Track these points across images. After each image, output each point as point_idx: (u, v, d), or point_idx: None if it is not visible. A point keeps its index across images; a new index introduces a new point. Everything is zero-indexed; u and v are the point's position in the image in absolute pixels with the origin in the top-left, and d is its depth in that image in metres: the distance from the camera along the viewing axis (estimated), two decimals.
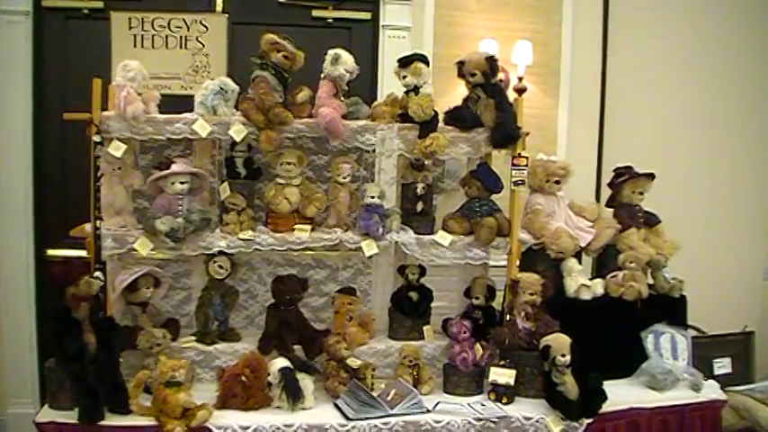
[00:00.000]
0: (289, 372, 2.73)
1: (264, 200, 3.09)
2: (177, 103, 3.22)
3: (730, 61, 4.71)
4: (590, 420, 2.81)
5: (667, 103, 4.64)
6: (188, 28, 3.98)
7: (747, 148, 4.78)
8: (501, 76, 3.32)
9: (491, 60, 3.13)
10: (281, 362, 2.77)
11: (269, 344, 2.97)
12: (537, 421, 2.78)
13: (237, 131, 2.94)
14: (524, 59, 4.16)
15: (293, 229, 3.02)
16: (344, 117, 3.04)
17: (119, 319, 2.92)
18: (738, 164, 4.77)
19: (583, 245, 3.35)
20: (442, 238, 3.13)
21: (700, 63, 4.67)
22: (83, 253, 3.02)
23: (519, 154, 3.16)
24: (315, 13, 4.21)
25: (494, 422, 2.76)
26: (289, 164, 3.02)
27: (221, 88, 2.98)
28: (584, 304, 3.23)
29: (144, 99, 2.95)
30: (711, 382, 3.24)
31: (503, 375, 2.89)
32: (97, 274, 2.83)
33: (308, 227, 3.03)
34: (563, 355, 2.78)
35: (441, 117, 3.13)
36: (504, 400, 2.87)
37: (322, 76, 3.06)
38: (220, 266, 3.04)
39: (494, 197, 3.24)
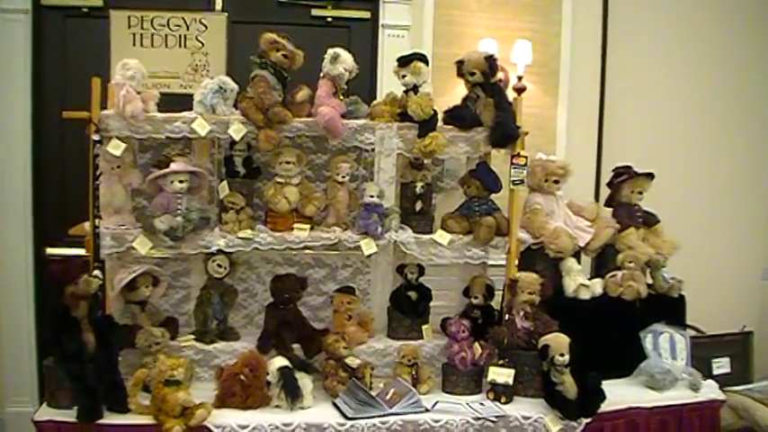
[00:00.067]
0: (287, 371, 2.73)
1: (263, 199, 3.08)
2: (176, 102, 3.22)
3: (730, 61, 4.71)
4: (588, 420, 2.81)
5: (667, 103, 4.64)
6: (187, 27, 3.98)
7: (747, 147, 4.78)
8: (500, 75, 3.32)
9: (490, 60, 3.13)
10: (280, 361, 2.77)
11: (268, 343, 2.97)
12: (535, 421, 2.78)
13: (236, 130, 2.94)
14: (524, 59, 4.16)
15: (292, 228, 3.02)
16: (344, 116, 3.04)
17: (118, 318, 2.92)
18: (738, 164, 4.77)
19: (582, 244, 3.35)
20: (441, 237, 3.14)
21: (699, 62, 4.67)
22: (82, 251, 3.02)
23: (518, 153, 3.16)
24: (314, 12, 4.22)
25: (492, 421, 2.76)
26: (288, 163, 3.02)
27: (220, 87, 2.98)
28: (582, 304, 3.23)
29: (143, 98, 2.94)
30: (710, 381, 3.24)
31: (501, 375, 2.89)
32: (96, 272, 2.82)
33: (307, 226, 3.03)
34: (562, 355, 2.78)
35: (440, 116, 3.12)
36: (503, 400, 2.87)
37: (321, 75, 3.06)
38: (219, 265, 3.03)
39: (493, 196, 3.24)
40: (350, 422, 2.66)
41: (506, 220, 3.18)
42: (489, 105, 3.11)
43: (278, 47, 2.95)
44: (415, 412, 2.75)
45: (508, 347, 2.98)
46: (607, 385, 2.86)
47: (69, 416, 2.53)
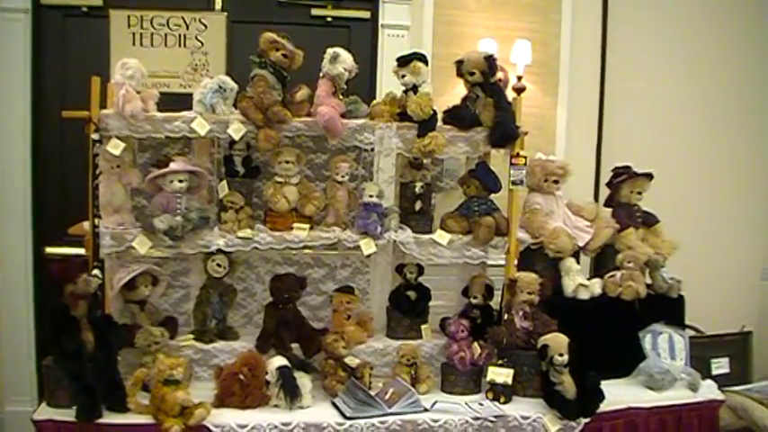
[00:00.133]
0: (287, 370, 2.73)
1: (263, 198, 3.09)
2: (176, 102, 3.23)
3: (730, 61, 4.71)
4: (587, 420, 2.81)
5: (666, 103, 4.64)
6: (187, 26, 3.97)
7: (746, 147, 4.78)
8: (500, 75, 3.32)
9: (490, 59, 3.13)
10: (279, 360, 2.77)
11: (267, 342, 2.97)
12: (534, 420, 2.79)
13: (236, 130, 2.94)
14: (523, 59, 4.16)
15: (291, 228, 3.02)
16: (343, 116, 3.04)
17: (117, 318, 2.92)
18: (737, 164, 4.77)
19: (581, 244, 3.35)
20: (441, 237, 3.14)
21: (699, 62, 4.67)
22: (81, 251, 3.02)
23: (517, 153, 3.17)
24: (314, 11, 4.21)
25: (491, 421, 2.76)
26: (287, 162, 3.02)
27: (220, 87, 2.98)
28: (582, 304, 3.23)
29: (143, 97, 2.95)
30: (709, 382, 3.25)
31: (500, 374, 2.90)
32: (95, 272, 2.82)
33: (307, 225, 3.03)
34: (561, 355, 2.78)
35: (439, 116, 3.12)
36: (502, 400, 2.87)
37: (321, 74, 3.06)
38: (219, 265, 3.04)
39: (492, 196, 3.24)
40: (349, 422, 2.66)
41: (506, 219, 3.18)
42: (489, 105, 3.11)
43: (277, 46, 2.95)
44: (414, 412, 2.75)
45: (507, 347, 2.98)
46: (606, 385, 2.87)
47: (68, 415, 2.53)
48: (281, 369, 2.73)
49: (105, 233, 2.90)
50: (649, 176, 3.47)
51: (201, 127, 2.93)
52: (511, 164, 3.18)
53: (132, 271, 2.92)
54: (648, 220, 3.49)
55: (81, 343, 2.59)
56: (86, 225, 2.95)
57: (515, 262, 3.22)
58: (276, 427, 2.61)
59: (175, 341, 2.98)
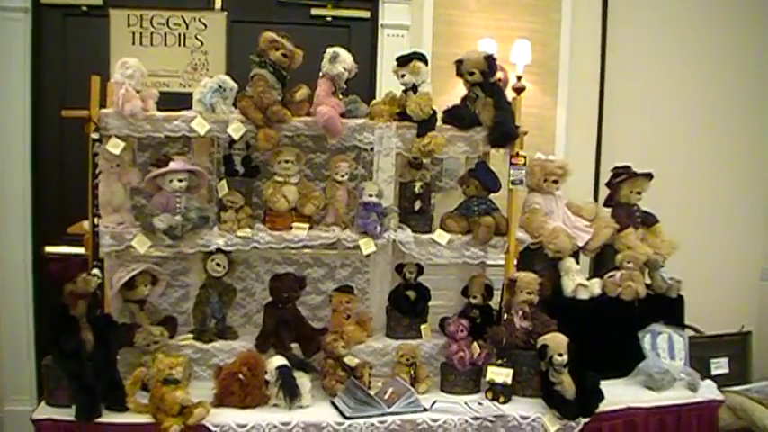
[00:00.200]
0: (286, 370, 2.73)
1: (262, 198, 3.08)
2: (176, 101, 3.23)
3: (729, 61, 4.71)
4: (587, 420, 2.81)
5: (666, 103, 4.64)
6: (187, 26, 3.97)
7: (746, 148, 4.78)
8: (499, 75, 3.34)
9: (489, 59, 3.13)
10: (279, 360, 2.77)
11: (266, 342, 2.97)
12: (534, 420, 2.79)
13: (236, 129, 2.94)
14: (523, 58, 4.16)
15: (291, 228, 3.02)
16: (343, 115, 3.04)
17: (116, 317, 2.92)
18: (737, 164, 4.77)
19: (580, 244, 3.35)
20: (440, 236, 3.14)
21: (699, 62, 4.67)
22: (81, 250, 3.03)
23: (517, 153, 3.17)
24: (314, 11, 4.21)
25: (491, 421, 2.76)
26: (287, 162, 3.02)
27: (220, 86, 2.98)
28: (581, 304, 3.23)
29: (142, 97, 2.95)
30: (708, 382, 3.25)
31: (500, 374, 2.90)
32: (95, 271, 2.83)
33: (306, 225, 3.03)
34: (560, 355, 2.78)
35: (439, 116, 3.13)
36: (501, 399, 2.87)
37: (320, 74, 3.06)
38: (218, 264, 3.04)
39: (492, 196, 3.24)
40: (348, 421, 2.66)
41: (505, 219, 3.18)
42: (488, 105, 3.11)
43: (277, 46, 2.95)
44: (414, 411, 2.75)
45: (507, 347, 2.98)
46: (605, 385, 2.87)
47: (68, 414, 2.53)
48: (280, 368, 2.73)
49: (105, 232, 2.90)
50: (649, 176, 3.47)
51: (201, 126, 2.93)
52: (510, 164, 3.18)
53: (132, 270, 2.92)
54: (648, 220, 3.50)
55: (80, 342, 2.59)
56: (86, 224, 2.95)
57: (515, 262, 3.23)
58: (275, 426, 2.61)
59: (175, 340, 2.98)
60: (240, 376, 2.70)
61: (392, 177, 3.34)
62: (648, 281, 3.38)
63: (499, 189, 3.24)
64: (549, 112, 4.47)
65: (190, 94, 3.05)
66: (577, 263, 3.33)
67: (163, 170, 2.91)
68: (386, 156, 3.23)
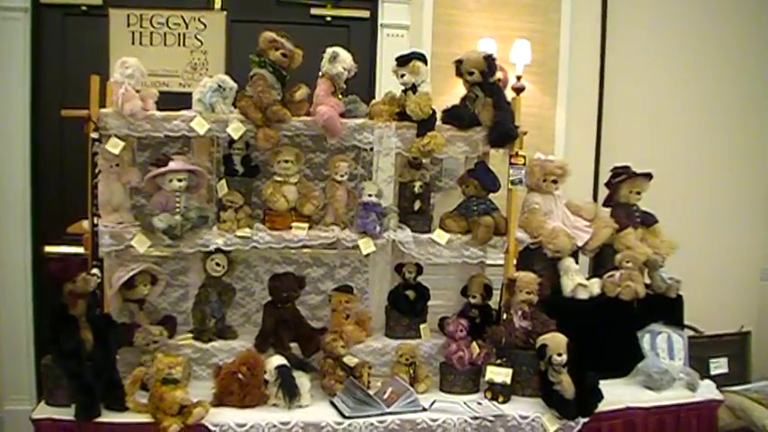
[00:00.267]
0: (285, 369, 2.73)
1: (262, 197, 3.09)
2: (175, 101, 3.23)
3: (729, 61, 4.71)
4: (586, 420, 2.81)
5: (666, 103, 4.64)
6: (186, 25, 3.97)
7: (746, 147, 4.78)
8: (499, 74, 3.34)
9: (489, 59, 3.13)
10: (278, 359, 2.77)
11: (266, 341, 2.97)
12: (533, 420, 2.79)
13: (235, 129, 2.94)
14: (523, 58, 4.17)
15: (290, 227, 3.03)
16: (342, 115, 3.04)
17: (116, 316, 2.92)
18: (736, 164, 4.77)
19: (580, 244, 3.35)
20: (440, 236, 3.14)
21: (698, 62, 4.67)
22: (80, 250, 3.03)
23: (516, 153, 3.17)
24: (313, 11, 4.21)
25: (490, 421, 2.76)
26: (286, 162, 3.02)
27: (219, 86, 2.98)
28: (580, 303, 3.23)
29: (142, 96, 2.95)
30: (708, 382, 3.25)
31: (499, 374, 2.90)
32: (94, 271, 2.83)
33: (306, 225, 3.03)
34: (559, 355, 2.78)
35: (438, 116, 3.13)
36: (501, 399, 2.87)
37: (320, 74, 3.06)
38: (217, 264, 3.04)
39: (491, 196, 3.24)
40: (347, 421, 2.66)
41: (504, 219, 3.18)
42: (488, 105, 3.11)
43: (277, 46, 2.95)
44: (413, 411, 2.75)
45: (506, 347, 2.99)
46: (605, 385, 2.87)
47: (67, 414, 2.53)
48: (279, 368, 2.73)
49: (104, 232, 2.90)
50: (648, 176, 3.47)
51: (201, 126, 2.93)
52: (510, 163, 3.18)
53: (131, 270, 2.92)
54: (647, 220, 3.50)
55: (80, 342, 2.59)
56: (85, 224, 2.95)
57: (514, 261, 3.23)
58: (275, 426, 2.61)
59: (174, 340, 2.98)
60: (239, 376, 2.70)
61: (392, 177, 3.34)
62: (648, 281, 3.38)
63: (498, 189, 3.24)
64: (549, 112, 4.47)
65: (189, 94, 3.05)
66: (577, 263, 3.33)
67: (162, 170, 2.91)
68: (385, 155, 3.24)
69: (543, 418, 2.79)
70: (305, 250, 3.27)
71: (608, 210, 3.55)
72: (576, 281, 3.24)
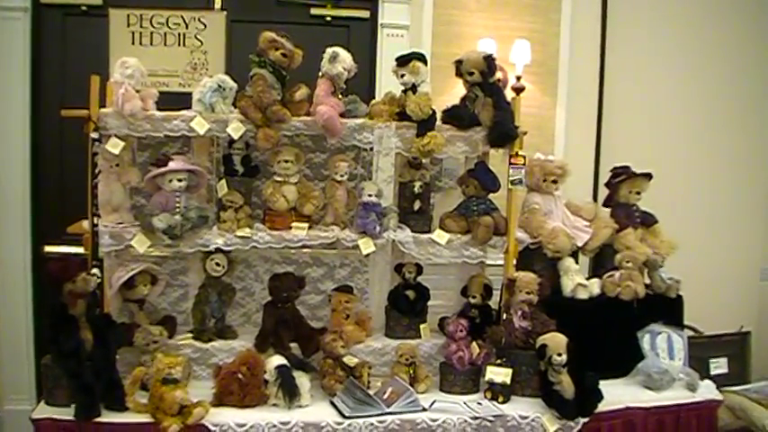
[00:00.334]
0: (285, 369, 2.73)
1: (262, 197, 3.09)
2: (175, 101, 3.23)
3: (729, 61, 4.71)
4: (586, 420, 2.81)
5: (665, 103, 4.64)
6: (186, 25, 3.97)
7: (745, 148, 4.78)
8: (499, 75, 3.33)
9: (489, 59, 3.13)
10: (278, 359, 2.77)
11: (266, 341, 2.97)
12: (533, 420, 2.79)
13: (235, 129, 2.94)
14: (522, 58, 4.16)
15: (290, 227, 3.03)
16: (342, 115, 3.04)
17: (115, 316, 2.92)
18: (736, 164, 4.77)
19: (580, 244, 3.35)
20: (440, 236, 3.14)
21: (698, 63, 4.67)
22: (80, 250, 3.04)
23: (516, 153, 3.17)
24: (313, 11, 4.21)
25: (490, 421, 2.76)
26: (286, 162, 3.02)
27: (219, 86, 2.98)
28: (580, 304, 3.23)
29: (142, 96, 2.95)
30: (707, 382, 3.25)
31: (499, 374, 2.90)
32: (94, 270, 2.83)
33: (306, 225, 3.03)
34: (559, 355, 2.78)
35: (438, 116, 3.13)
36: (501, 399, 2.87)
37: (320, 74, 3.06)
38: (217, 264, 3.04)
39: (491, 196, 3.24)
40: (347, 421, 2.66)
41: (504, 219, 3.18)
42: (488, 105, 3.11)
43: (277, 46, 2.95)
44: (413, 411, 2.75)
45: (506, 347, 2.99)
46: (604, 385, 2.87)
47: (67, 414, 2.53)
48: (279, 368, 2.73)
49: (104, 232, 2.90)
50: (648, 176, 3.47)
51: (201, 126, 2.93)
52: (510, 164, 3.18)
53: (131, 270, 2.92)
54: (647, 220, 3.50)
55: (79, 342, 2.59)
56: (85, 224, 2.95)
57: (514, 262, 3.23)
58: (275, 426, 2.61)
59: (174, 340, 2.98)
60: (239, 376, 2.70)
61: (391, 177, 3.34)
62: (648, 281, 3.38)
63: (498, 189, 3.24)
64: (549, 112, 4.47)
65: (189, 94, 3.05)
66: (576, 263, 3.33)
67: (162, 170, 2.91)
68: (385, 155, 3.24)
69: (543, 419, 2.79)
70: (305, 250, 3.27)
71: (608, 210, 3.55)
72: (576, 281, 3.24)
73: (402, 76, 3.10)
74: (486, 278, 3.28)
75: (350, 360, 2.91)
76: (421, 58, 3.11)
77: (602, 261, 3.42)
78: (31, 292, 4.00)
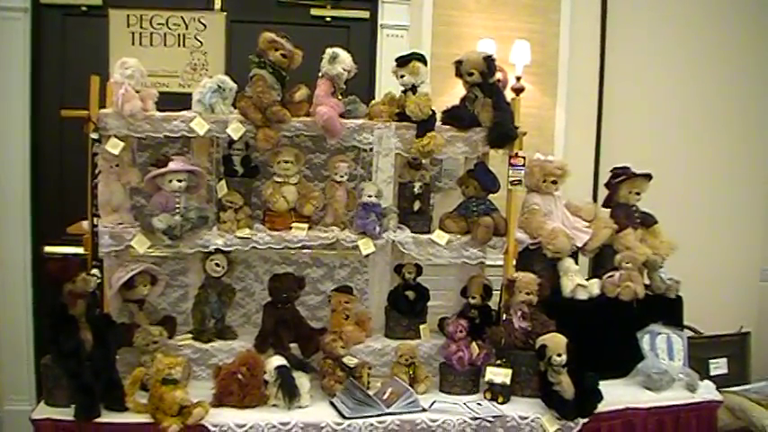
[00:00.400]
0: (285, 370, 2.73)
1: (262, 198, 3.09)
2: (175, 101, 3.23)
3: (728, 61, 4.71)
4: (585, 420, 2.81)
5: (665, 104, 4.65)
6: (186, 26, 3.97)
7: (745, 148, 4.79)
8: (499, 75, 3.33)
9: (489, 60, 3.13)
10: (278, 360, 2.77)
11: (265, 342, 2.97)
12: (532, 421, 2.78)
13: (235, 129, 2.94)
14: (522, 59, 4.17)
15: (290, 228, 3.02)
16: (342, 116, 3.04)
17: (115, 317, 2.92)
18: (736, 164, 4.78)
19: (579, 245, 3.35)
20: (439, 237, 3.14)
21: (698, 63, 4.68)
22: (80, 250, 3.03)
23: (516, 153, 3.17)
24: (313, 11, 4.22)
25: (489, 421, 2.76)
26: (286, 162, 3.02)
27: (219, 86, 2.98)
28: (580, 304, 3.23)
29: (142, 97, 2.94)
30: (707, 382, 3.24)
31: (499, 375, 2.89)
32: (94, 271, 2.83)
33: (305, 225, 3.03)
34: (559, 355, 2.78)
35: (438, 116, 3.13)
36: (500, 400, 2.87)
37: (320, 74, 3.06)
38: (217, 264, 3.03)
39: (491, 196, 3.24)
40: (347, 421, 2.66)
41: (504, 220, 3.18)
42: (487, 105, 3.11)
43: (277, 46, 2.95)
44: (412, 412, 2.75)
45: (505, 347, 2.99)
46: (604, 385, 2.87)
47: (67, 414, 2.53)
48: (279, 369, 2.73)
49: (104, 232, 2.90)
50: (648, 177, 3.47)
51: (200, 126, 2.93)
52: (509, 164, 3.18)
53: (131, 270, 2.92)
54: (647, 221, 3.50)
55: (79, 342, 2.59)
56: (85, 224, 2.95)
57: (514, 262, 3.23)
58: (274, 426, 2.61)
59: (174, 340, 2.98)
60: (239, 376, 2.70)
61: (391, 178, 3.33)
62: (647, 281, 3.38)
63: (498, 189, 3.24)
64: (549, 113, 4.48)
65: (189, 95, 3.05)
66: (576, 263, 3.33)
67: (162, 170, 2.91)
68: (385, 156, 3.23)
69: (543, 419, 2.79)
70: (304, 251, 3.27)
71: (608, 210, 3.55)
72: (576, 281, 3.24)
73: (402, 76, 3.10)
74: (486, 279, 3.28)
75: (350, 360, 2.91)
76: (421, 58, 3.11)
77: (601, 261, 3.42)
78: (31, 293, 4.00)
